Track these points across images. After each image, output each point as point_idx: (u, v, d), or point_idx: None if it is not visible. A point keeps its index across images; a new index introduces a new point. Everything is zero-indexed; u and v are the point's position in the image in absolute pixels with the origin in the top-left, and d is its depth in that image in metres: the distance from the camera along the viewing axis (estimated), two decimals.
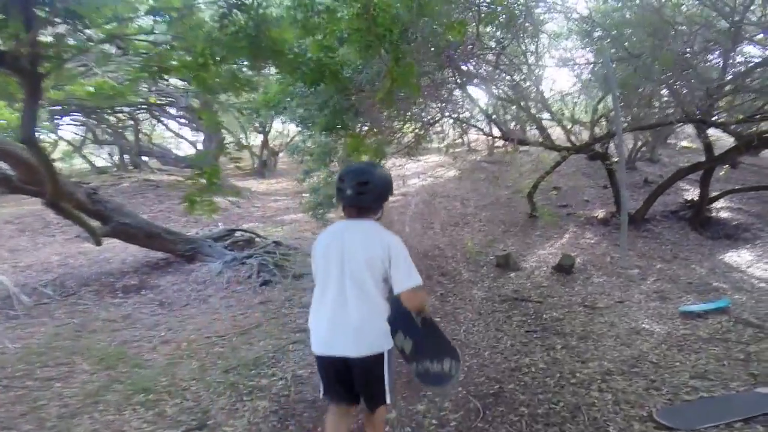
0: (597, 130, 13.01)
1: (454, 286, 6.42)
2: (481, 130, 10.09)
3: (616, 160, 10.06)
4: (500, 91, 9.89)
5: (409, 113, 8.70)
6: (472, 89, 10.23)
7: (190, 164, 13.21)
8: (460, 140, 18.11)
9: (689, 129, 14.65)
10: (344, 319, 1.97)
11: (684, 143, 15.64)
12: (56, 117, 12.56)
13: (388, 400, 2.06)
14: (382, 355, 1.98)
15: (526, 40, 9.32)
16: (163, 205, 11.10)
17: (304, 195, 8.26)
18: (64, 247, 8.71)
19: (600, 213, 10.20)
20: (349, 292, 1.97)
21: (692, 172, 10.16)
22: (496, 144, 15.09)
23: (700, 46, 8.35)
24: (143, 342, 5.17)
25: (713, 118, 8.41)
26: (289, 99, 6.39)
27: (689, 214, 10.20)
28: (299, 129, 8.68)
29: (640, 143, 13.33)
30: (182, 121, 13.52)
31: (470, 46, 7.64)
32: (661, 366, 4.13)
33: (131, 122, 13.66)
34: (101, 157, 17.48)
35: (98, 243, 6.18)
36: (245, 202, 12.25)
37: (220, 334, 5.24)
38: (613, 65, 8.36)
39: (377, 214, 2.15)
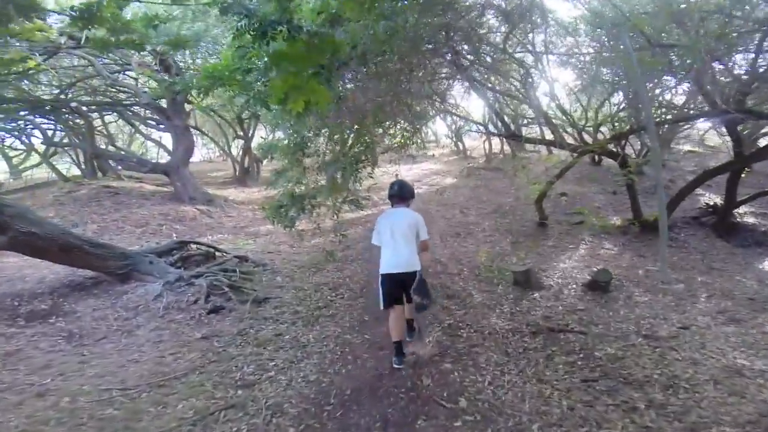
0: (602, 131, 11.51)
1: (466, 313, 4.61)
2: (484, 126, 8.35)
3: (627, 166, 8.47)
4: (507, 83, 8.37)
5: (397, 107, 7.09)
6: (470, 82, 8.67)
7: (153, 168, 11.54)
8: (455, 147, 16.68)
9: (695, 130, 13.26)
10: (400, 254, 3.34)
11: (688, 147, 14.17)
12: (12, 120, 10.63)
13: (413, 299, 3.36)
14: (416, 271, 3.33)
15: (532, 28, 7.73)
16: (118, 214, 9.20)
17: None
18: None
19: (616, 220, 8.56)
20: (399, 242, 3.36)
21: (718, 174, 8.56)
22: (493, 150, 13.58)
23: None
24: (10, 393, 3.34)
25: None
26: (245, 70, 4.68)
27: (712, 220, 8.59)
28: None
29: (646, 148, 11.80)
30: (150, 122, 11.67)
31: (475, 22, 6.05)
32: None
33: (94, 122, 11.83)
34: (76, 164, 15.42)
35: None
36: (217, 212, 10.37)
37: (127, 386, 3.38)
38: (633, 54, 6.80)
39: (409, 204, 3.66)
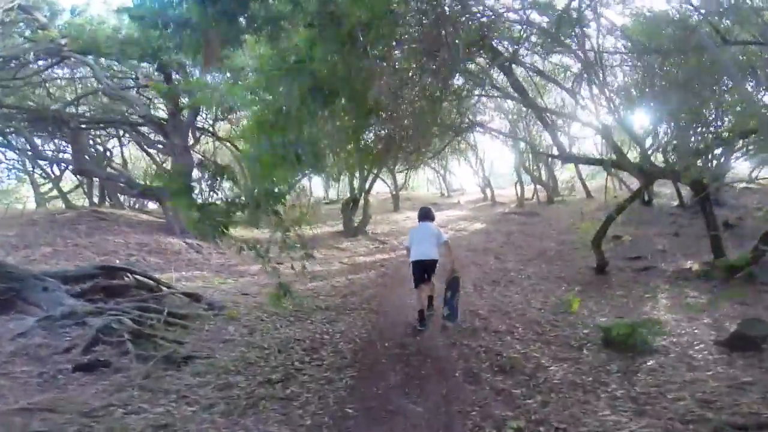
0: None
1: (546, 402, 2.24)
2: (527, 143, 6.28)
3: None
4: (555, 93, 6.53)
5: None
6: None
7: (143, 192, 9.80)
8: (482, 194, 14.68)
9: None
10: (422, 248, 4.05)
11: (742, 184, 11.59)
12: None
13: (433, 280, 4.08)
14: (437, 260, 4.08)
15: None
16: (87, 239, 7.34)
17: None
18: None
19: (692, 264, 6.06)
20: (422, 241, 4.10)
21: None
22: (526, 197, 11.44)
23: None
24: None
25: None
26: None
27: None
28: None
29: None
30: (152, 137, 10.00)
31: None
32: None
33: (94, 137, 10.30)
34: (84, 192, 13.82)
35: None
36: (208, 247, 8.38)
37: None
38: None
39: (433, 221, 4.47)
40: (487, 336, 3.42)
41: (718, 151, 6.94)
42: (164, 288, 4.32)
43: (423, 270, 4.00)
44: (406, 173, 16.60)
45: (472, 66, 5.99)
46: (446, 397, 2.42)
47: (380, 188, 20.82)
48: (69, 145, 9.79)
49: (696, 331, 3.56)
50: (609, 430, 1.91)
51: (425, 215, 4.44)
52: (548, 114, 6.55)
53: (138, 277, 4.29)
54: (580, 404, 2.15)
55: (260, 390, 2.46)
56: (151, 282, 4.28)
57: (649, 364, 2.78)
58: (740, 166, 10.48)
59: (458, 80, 6.51)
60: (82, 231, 7.68)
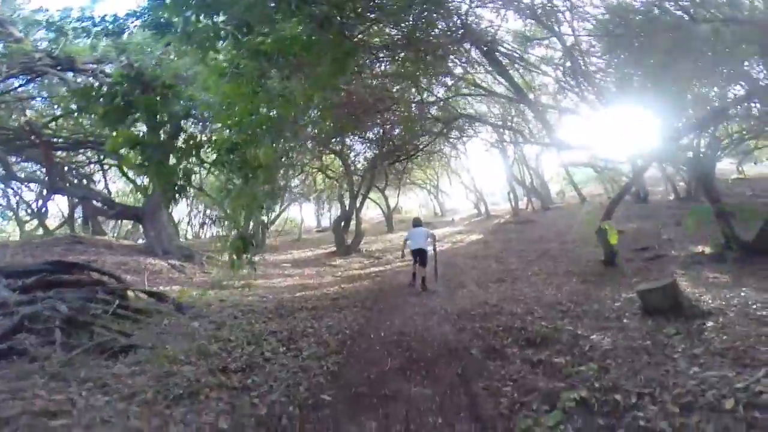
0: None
1: (604, 369, 1.59)
2: (518, 132, 5.86)
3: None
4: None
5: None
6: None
7: (121, 212, 9.05)
8: (476, 209, 14.19)
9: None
10: (417, 241, 5.56)
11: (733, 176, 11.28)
12: None
13: (425, 265, 5.50)
14: (426, 250, 5.58)
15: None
16: (60, 259, 6.53)
17: None
18: None
19: (704, 248, 5.49)
20: (417, 238, 5.63)
21: None
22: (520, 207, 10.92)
23: None
24: None
25: None
26: None
27: None
28: None
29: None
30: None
31: None
32: None
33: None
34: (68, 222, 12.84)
35: None
36: (193, 268, 7.65)
37: None
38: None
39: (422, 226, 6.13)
40: (502, 317, 2.76)
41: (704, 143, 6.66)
42: (125, 285, 3.61)
43: (417, 254, 5.68)
44: (398, 192, 16.16)
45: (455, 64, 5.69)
46: (463, 376, 1.77)
47: (374, 214, 20.36)
48: (42, 165, 9.05)
49: (742, 294, 2.98)
50: (718, 385, 1.28)
51: (418, 222, 6.32)
52: (539, 106, 6.18)
53: (95, 274, 3.59)
54: (653, 367, 1.52)
55: (208, 378, 1.79)
56: (110, 280, 3.57)
57: (709, 324, 2.15)
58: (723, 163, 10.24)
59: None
60: (56, 252, 6.93)
